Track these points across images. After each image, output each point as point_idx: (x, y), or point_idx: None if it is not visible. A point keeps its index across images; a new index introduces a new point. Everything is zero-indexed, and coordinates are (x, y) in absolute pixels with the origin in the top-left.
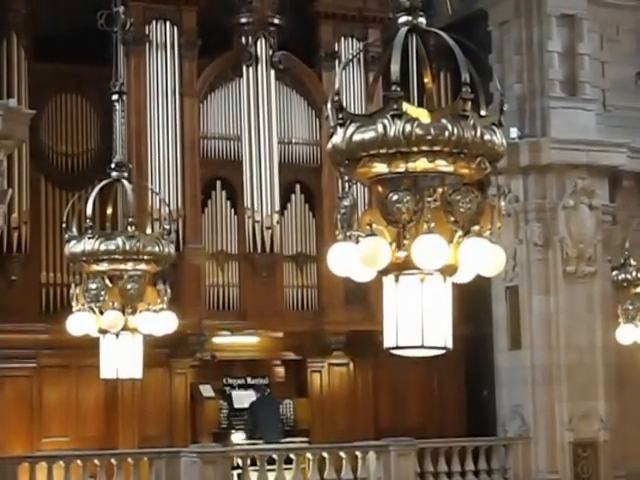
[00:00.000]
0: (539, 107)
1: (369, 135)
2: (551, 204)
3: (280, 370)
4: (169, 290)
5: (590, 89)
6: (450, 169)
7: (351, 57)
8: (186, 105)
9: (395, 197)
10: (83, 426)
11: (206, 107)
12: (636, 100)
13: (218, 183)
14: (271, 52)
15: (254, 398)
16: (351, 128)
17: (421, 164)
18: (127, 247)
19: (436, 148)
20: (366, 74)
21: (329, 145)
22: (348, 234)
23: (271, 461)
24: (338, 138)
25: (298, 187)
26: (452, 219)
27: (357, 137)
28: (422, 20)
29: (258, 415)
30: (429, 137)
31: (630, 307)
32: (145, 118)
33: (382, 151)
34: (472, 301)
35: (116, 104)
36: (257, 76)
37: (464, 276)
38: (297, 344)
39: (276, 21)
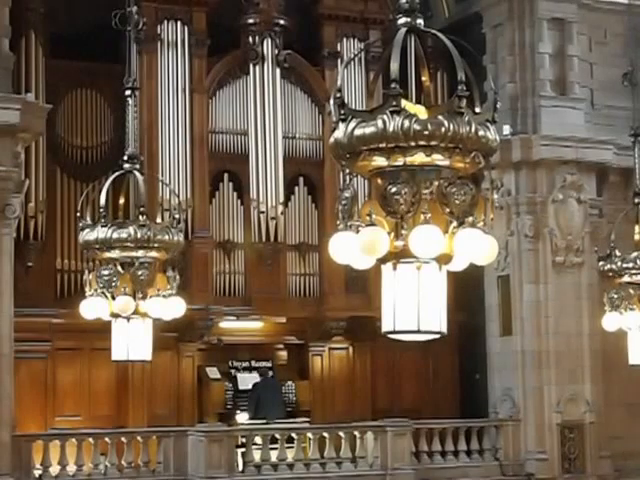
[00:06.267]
0: (530, 106)
1: (369, 130)
2: (541, 198)
3: (283, 354)
4: (178, 277)
5: (579, 89)
6: (446, 163)
7: (353, 56)
8: (196, 101)
9: (394, 189)
10: (95, 406)
11: (215, 103)
12: (623, 100)
13: (225, 175)
14: (277, 51)
15: (259, 379)
16: (352, 123)
17: (418, 158)
18: (138, 235)
19: (433, 143)
20: (367, 72)
21: (331, 139)
22: (349, 224)
23: (274, 440)
24: (340, 133)
25: (301, 180)
26: (447, 210)
27: (358, 132)
28: (420, 22)
29: (260, 396)
30: (426, 132)
31: (615, 296)
32: (156, 113)
33: (381, 145)
34: (466, 289)
35: (129, 99)
36: (263, 74)
37: (458, 265)
38: (299, 329)
39: (282, 22)
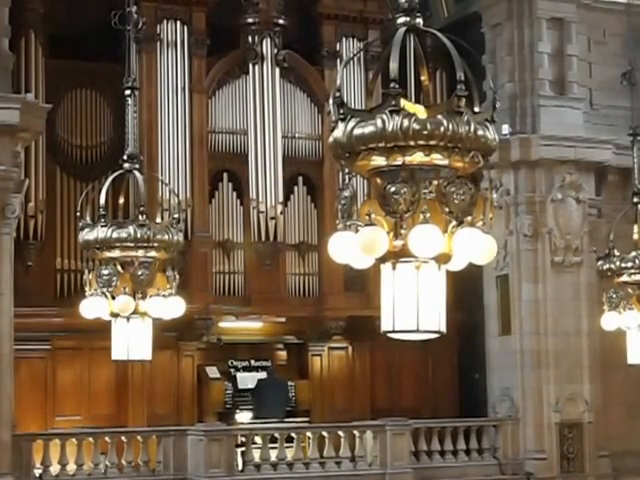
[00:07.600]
0: (529, 105)
1: (368, 129)
2: (540, 197)
3: (282, 353)
4: (177, 276)
5: (578, 88)
6: (445, 162)
7: (352, 56)
8: (195, 101)
9: (393, 189)
10: (95, 405)
11: (214, 103)
12: (621, 99)
13: (225, 175)
14: (276, 51)
15: (264, 377)
16: (351, 123)
17: (417, 157)
18: (138, 235)
19: (432, 142)
20: (366, 72)
21: (330, 139)
22: (348, 224)
23: (273, 439)
24: (339, 132)
25: (301, 179)
26: (447, 210)
27: (357, 131)
28: (419, 21)
29: (263, 394)
30: (425, 132)
31: (614, 295)
32: (156, 113)
33: (381, 145)
34: (465, 289)
35: (128, 99)
36: (262, 74)
37: (457, 264)
38: (299, 329)
39: (281, 21)
